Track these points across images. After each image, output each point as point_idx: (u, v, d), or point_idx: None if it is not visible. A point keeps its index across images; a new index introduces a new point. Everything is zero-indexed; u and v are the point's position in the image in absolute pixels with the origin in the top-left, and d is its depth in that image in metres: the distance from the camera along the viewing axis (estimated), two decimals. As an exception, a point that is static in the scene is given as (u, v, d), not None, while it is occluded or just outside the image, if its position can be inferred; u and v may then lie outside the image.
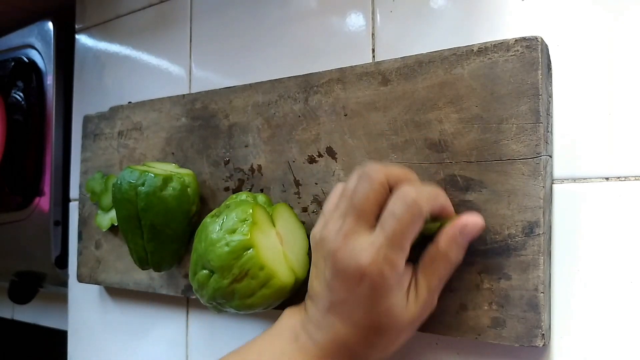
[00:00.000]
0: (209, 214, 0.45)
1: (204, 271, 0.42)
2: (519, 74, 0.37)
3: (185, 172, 0.53)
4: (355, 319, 0.34)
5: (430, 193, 0.35)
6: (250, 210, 0.42)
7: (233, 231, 0.41)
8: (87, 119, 0.67)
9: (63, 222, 0.76)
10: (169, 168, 0.54)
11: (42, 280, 0.81)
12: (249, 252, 0.40)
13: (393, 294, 0.33)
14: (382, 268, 0.33)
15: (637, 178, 0.36)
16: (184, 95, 0.57)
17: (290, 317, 0.39)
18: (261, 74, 0.55)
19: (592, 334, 0.36)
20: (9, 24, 0.81)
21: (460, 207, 0.39)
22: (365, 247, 0.33)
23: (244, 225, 0.41)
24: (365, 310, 0.34)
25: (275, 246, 0.42)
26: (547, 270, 0.36)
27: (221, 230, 0.42)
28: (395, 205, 0.33)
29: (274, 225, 0.43)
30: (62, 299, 0.77)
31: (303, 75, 0.48)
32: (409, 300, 0.35)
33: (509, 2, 0.41)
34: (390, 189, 0.35)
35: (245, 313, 0.43)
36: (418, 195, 0.33)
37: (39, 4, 0.77)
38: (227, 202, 0.46)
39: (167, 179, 0.50)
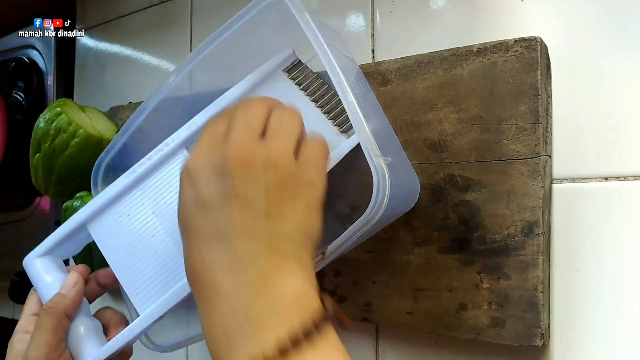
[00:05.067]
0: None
1: (36, 155, 0.58)
2: (518, 74, 0.37)
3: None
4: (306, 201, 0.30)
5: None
6: (59, 104, 0.58)
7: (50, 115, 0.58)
8: (87, 119, 0.67)
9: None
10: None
11: (43, 280, 0.81)
12: (60, 116, 0.57)
13: None
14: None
15: (636, 178, 0.36)
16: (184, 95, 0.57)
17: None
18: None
19: (591, 334, 0.36)
20: (10, 24, 0.81)
21: (460, 207, 0.39)
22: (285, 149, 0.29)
23: (57, 109, 0.58)
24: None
25: (84, 118, 0.59)
26: (546, 270, 0.36)
27: (42, 121, 0.58)
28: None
29: (84, 112, 0.60)
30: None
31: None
32: None
33: (508, 2, 0.41)
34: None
35: (72, 170, 0.57)
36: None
37: (40, 4, 0.77)
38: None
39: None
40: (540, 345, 0.35)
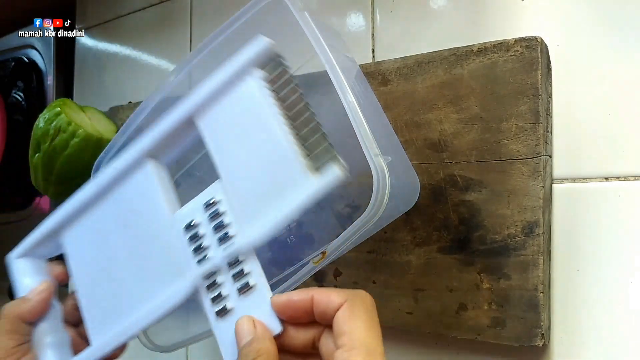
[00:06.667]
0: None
1: (36, 155, 0.58)
2: (518, 74, 0.37)
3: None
4: None
5: None
6: (58, 104, 0.58)
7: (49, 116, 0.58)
8: (87, 119, 0.67)
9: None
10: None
11: (43, 280, 0.81)
12: (60, 116, 0.57)
13: None
14: None
15: (637, 178, 0.36)
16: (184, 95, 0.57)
17: None
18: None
19: (592, 334, 0.36)
20: (10, 24, 0.81)
21: (460, 207, 0.39)
22: None
23: (56, 109, 0.58)
24: None
25: (83, 118, 0.59)
26: (546, 270, 0.36)
27: (42, 121, 0.58)
28: None
29: (84, 112, 0.61)
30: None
31: (302, 75, 0.48)
32: None
33: (509, 2, 0.41)
34: None
35: (71, 170, 0.57)
36: None
37: (40, 4, 0.77)
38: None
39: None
40: (540, 345, 0.35)
